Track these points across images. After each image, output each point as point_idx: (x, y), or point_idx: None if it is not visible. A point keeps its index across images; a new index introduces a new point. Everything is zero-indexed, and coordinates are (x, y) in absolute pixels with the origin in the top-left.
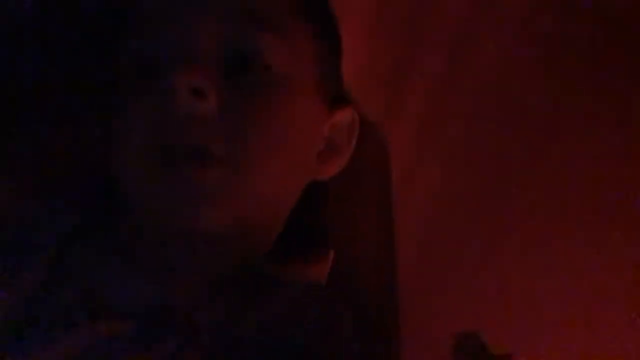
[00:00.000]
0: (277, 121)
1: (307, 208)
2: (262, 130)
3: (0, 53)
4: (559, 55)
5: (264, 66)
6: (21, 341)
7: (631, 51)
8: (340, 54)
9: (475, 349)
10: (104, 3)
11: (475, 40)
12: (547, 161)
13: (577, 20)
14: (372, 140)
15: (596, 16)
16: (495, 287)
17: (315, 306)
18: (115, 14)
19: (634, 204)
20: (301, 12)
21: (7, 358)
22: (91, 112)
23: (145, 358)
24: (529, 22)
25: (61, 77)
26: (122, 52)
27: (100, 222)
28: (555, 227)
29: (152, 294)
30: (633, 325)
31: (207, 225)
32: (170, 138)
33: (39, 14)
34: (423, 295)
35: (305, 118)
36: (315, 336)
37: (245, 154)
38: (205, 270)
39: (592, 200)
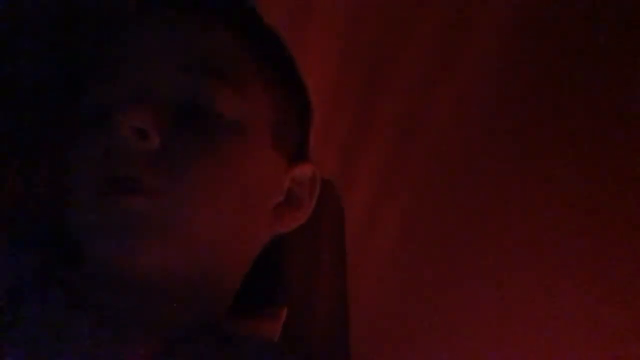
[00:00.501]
0: (221, 164)
1: (263, 263)
2: (202, 170)
3: None
4: (503, 124)
5: (216, 114)
6: None
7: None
8: (305, 111)
9: None
10: (67, 54)
11: (427, 110)
12: (496, 224)
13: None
14: (328, 199)
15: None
16: (446, 349)
17: None
18: (76, 62)
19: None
20: (259, 68)
21: None
22: (46, 156)
23: None
24: (476, 95)
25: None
26: (82, 99)
27: (53, 270)
28: (504, 289)
29: (102, 348)
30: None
31: (144, 262)
32: (109, 171)
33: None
34: (375, 356)
35: (256, 166)
36: None
37: (181, 188)
38: (157, 325)
39: (537, 264)
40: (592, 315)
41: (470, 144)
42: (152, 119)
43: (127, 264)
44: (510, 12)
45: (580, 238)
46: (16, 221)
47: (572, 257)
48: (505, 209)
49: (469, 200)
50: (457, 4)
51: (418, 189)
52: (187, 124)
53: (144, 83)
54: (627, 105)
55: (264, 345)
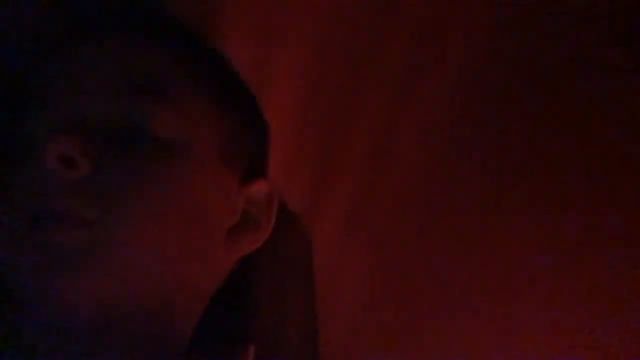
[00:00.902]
0: (159, 188)
1: (228, 300)
2: (138, 195)
3: None
4: (474, 154)
5: (152, 136)
6: None
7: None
8: (258, 129)
9: None
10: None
11: (395, 142)
12: (473, 256)
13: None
14: (296, 232)
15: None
16: None
17: None
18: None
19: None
20: (201, 84)
21: None
22: None
23: None
24: (446, 123)
25: None
26: (9, 127)
27: None
28: (482, 323)
29: None
30: None
31: (84, 300)
32: (38, 203)
33: None
34: None
35: (202, 188)
36: None
37: (117, 218)
38: None
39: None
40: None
41: (442, 175)
42: (79, 146)
43: (66, 304)
44: (476, 42)
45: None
46: None
47: (552, 289)
48: (480, 243)
49: (442, 234)
50: (422, 34)
51: (388, 223)
52: (122, 149)
53: (76, 110)
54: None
55: None
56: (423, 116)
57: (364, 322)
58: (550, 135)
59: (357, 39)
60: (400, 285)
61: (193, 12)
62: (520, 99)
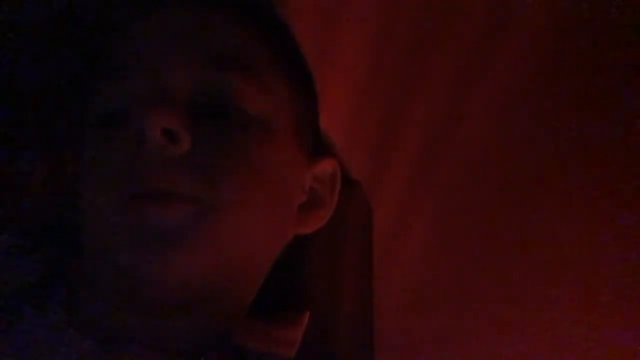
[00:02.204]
0: (252, 165)
1: (285, 265)
2: (235, 172)
3: None
4: (541, 127)
5: (239, 110)
6: None
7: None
8: (317, 106)
9: None
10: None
11: (460, 112)
12: (532, 231)
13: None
14: (356, 199)
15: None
16: (483, 355)
17: None
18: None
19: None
20: (279, 62)
21: None
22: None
23: None
24: (511, 97)
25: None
26: (91, 100)
27: (53, 275)
28: (546, 295)
29: None
30: None
31: (171, 279)
32: (138, 181)
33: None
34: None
35: (283, 165)
36: None
37: (219, 194)
38: (167, 342)
39: (586, 262)
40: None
41: (505, 146)
42: (181, 119)
43: (161, 280)
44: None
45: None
46: (20, 222)
47: (612, 268)
48: (543, 216)
49: (504, 206)
50: (492, 4)
51: (450, 193)
52: (214, 124)
53: (166, 79)
54: None
55: None
56: (490, 89)
57: (421, 295)
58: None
59: (424, 13)
60: (460, 259)
61: None
62: (593, 73)
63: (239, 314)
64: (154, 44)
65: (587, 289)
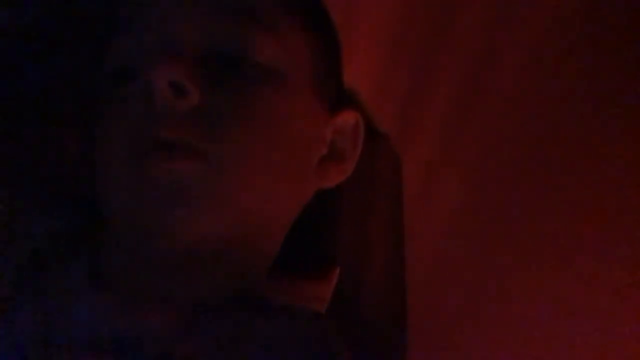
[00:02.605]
0: (266, 117)
1: (314, 220)
2: (248, 125)
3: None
4: (575, 88)
5: (254, 63)
6: None
7: None
8: (339, 57)
9: None
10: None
11: (491, 68)
12: (565, 195)
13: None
14: (385, 153)
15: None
16: (505, 318)
17: (310, 344)
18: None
19: None
20: (295, 11)
21: None
22: (78, 119)
23: None
24: (542, 56)
25: (50, 83)
26: (106, 56)
27: (78, 235)
28: (572, 255)
29: (121, 322)
30: None
31: (186, 235)
32: (146, 132)
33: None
34: (433, 321)
35: (300, 117)
36: None
37: (231, 149)
38: (185, 296)
39: (612, 238)
40: None
41: (540, 100)
42: (188, 72)
43: (171, 234)
44: None
45: None
46: (46, 185)
47: None
48: (578, 180)
49: (536, 165)
50: None
51: (481, 149)
52: (225, 76)
53: (173, 32)
54: None
55: (308, 320)
56: (522, 50)
57: (451, 254)
58: None
59: None
60: (489, 220)
61: None
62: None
63: (261, 269)
64: None
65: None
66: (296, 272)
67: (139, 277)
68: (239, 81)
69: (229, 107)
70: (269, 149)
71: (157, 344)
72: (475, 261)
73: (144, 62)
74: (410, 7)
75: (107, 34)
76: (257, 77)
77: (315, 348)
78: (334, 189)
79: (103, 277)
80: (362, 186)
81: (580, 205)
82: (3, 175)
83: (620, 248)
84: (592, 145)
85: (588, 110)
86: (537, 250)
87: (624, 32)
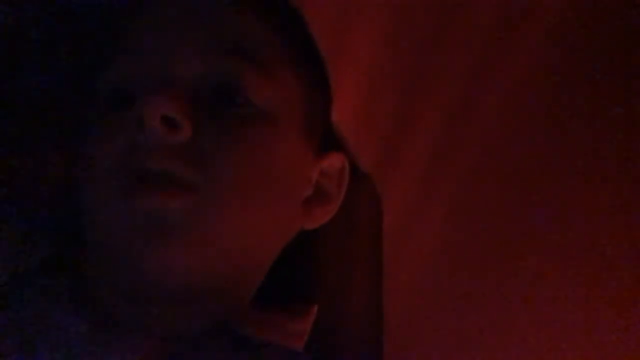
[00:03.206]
0: (254, 156)
1: (294, 257)
2: (237, 164)
3: None
4: (558, 115)
5: (246, 101)
6: None
7: None
8: (329, 100)
9: None
10: (85, 32)
11: (476, 99)
12: (548, 219)
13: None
14: (366, 193)
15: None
16: (491, 356)
17: None
18: (93, 44)
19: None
20: (289, 53)
21: None
22: (57, 139)
23: None
24: (530, 84)
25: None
26: (98, 81)
27: (60, 261)
28: (555, 293)
29: (99, 349)
30: None
31: (169, 270)
32: (137, 165)
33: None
34: (410, 355)
35: (287, 158)
36: None
37: (218, 185)
38: (168, 329)
39: (595, 255)
40: None
41: (518, 141)
42: (182, 108)
43: (157, 269)
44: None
45: None
46: (30, 209)
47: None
48: (559, 210)
49: (516, 201)
50: None
51: (461, 187)
52: (217, 113)
53: (168, 65)
54: None
55: (285, 356)
56: (503, 83)
57: (431, 290)
58: None
59: (437, 6)
60: (470, 254)
61: None
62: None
63: (240, 304)
64: (162, 28)
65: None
66: (275, 308)
67: (120, 306)
68: (231, 118)
69: (219, 144)
70: (256, 187)
71: None
72: (454, 300)
73: (138, 90)
74: (393, 47)
75: (97, 53)
76: (248, 115)
77: None
78: (315, 229)
79: (85, 303)
80: (342, 225)
81: (565, 243)
82: None
83: (609, 282)
84: (577, 183)
85: (573, 146)
86: (519, 288)
87: (615, 58)
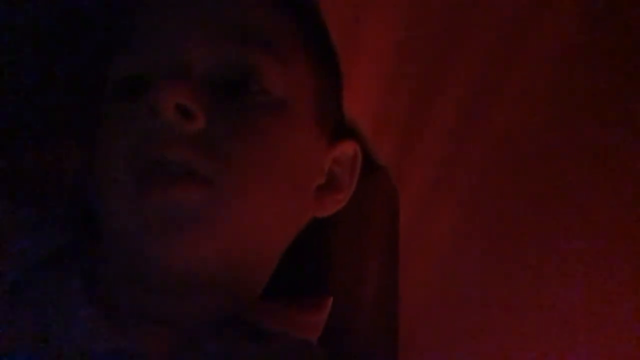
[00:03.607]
0: (269, 145)
1: (310, 250)
2: (251, 152)
3: None
4: (576, 109)
5: (260, 89)
6: None
7: None
8: (341, 87)
9: None
10: (97, 18)
11: (491, 99)
12: (563, 210)
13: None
14: (383, 186)
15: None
16: (507, 351)
17: None
18: (106, 31)
19: None
20: (303, 40)
21: None
22: (76, 132)
23: None
24: (548, 75)
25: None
26: (111, 68)
27: (74, 250)
28: (572, 279)
29: (114, 339)
30: None
31: (185, 262)
32: (151, 155)
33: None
34: (425, 351)
35: (301, 146)
36: None
37: (233, 175)
38: (180, 319)
39: (609, 251)
40: None
41: (537, 132)
42: (196, 96)
43: (169, 259)
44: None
45: None
46: (44, 200)
47: None
48: (577, 206)
49: (534, 194)
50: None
51: (478, 180)
52: (231, 102)
53: (183, 52)
54: None
55: (301, 348)
56: (517, 82)
57: (446, 287)
58: None
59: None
60: (486, 251)
61: None
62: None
63: (254, 292)
64: (176, 14)
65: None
66: (290, 300)
67: (133, 295)
68: (245, 107)
69: (233, 134)
70: (270, 177)
71: None
72: (470, 294)
73: (152, 78)
74: (409, 38)
75: (111, 41)
76: (262, 103)
77: None
78: (330, 220)
79: (98, 291)
80: (358, 218)
81: (579, 237)
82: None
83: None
84: (589, 176)
85: (584, 142)
86: (535, 282)
87: (623, 73)
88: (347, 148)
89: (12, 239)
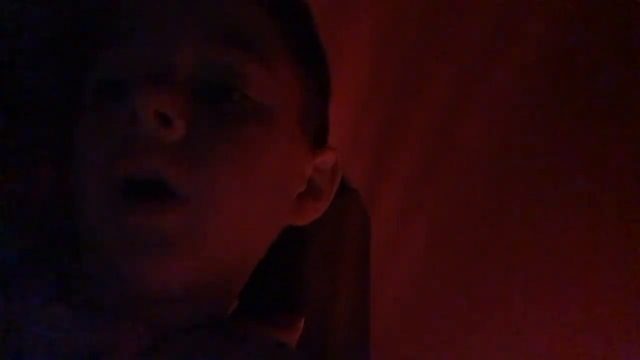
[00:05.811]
0: (250, 156)
1: (282, 268)
2: (231, 164)
3: None
4: (544, 132)
5: (243, 96)
6: None
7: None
8: (327, 94)
9: None
10: (77, 20)
11: (462, 114)
12: (530, 235)
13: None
14: (354, 209)
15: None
16: None
17: None
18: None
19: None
20: (290, 46)
21: None
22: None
23: None
24: (520, 94)
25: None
26: (90, 70)
27: (47, 253)
28: (542, 306)
29: (87, 337)
30: None
31: (160, 284)
32: (127, 169)
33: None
34: None
35: (284, 155)
36: None
37: (210, 191)
38: (155, 319)
39: (585, 270)
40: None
41: (502, 158)
42: (176, 103)
43: (147, 282)
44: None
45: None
46: (14, 203)
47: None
48: (539, 227)
49: (501, 217)
50: (493, 19)
51: (447, 203)
52: (214, 108)
53: (166, 56)
54: None
55: (278, 348)
56: (490, 97)
57: (417, 304)
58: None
59: (427, 19)
60: (456, 270)
61: None
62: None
63: (229, 301)
64: (161, 15)
65: (588, 294)
66: (262, 319)
67: (109, 295)
68: (227, 114)
69: (214, 143)
70: (250, 190)
71: None
72: (440, 313)
73: (130, 79)
74: (380, 64)
75: (90, 45)
76: (245, 111)
77: None
78: (302, 240)
79: (68, 291)
80: (330, 240)
81: (549, 257)
82: None
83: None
84: (552, 200)
85: (554, 163)
86: (504, 301)
87: (596, 88)
88: (329, 157)
89: None
